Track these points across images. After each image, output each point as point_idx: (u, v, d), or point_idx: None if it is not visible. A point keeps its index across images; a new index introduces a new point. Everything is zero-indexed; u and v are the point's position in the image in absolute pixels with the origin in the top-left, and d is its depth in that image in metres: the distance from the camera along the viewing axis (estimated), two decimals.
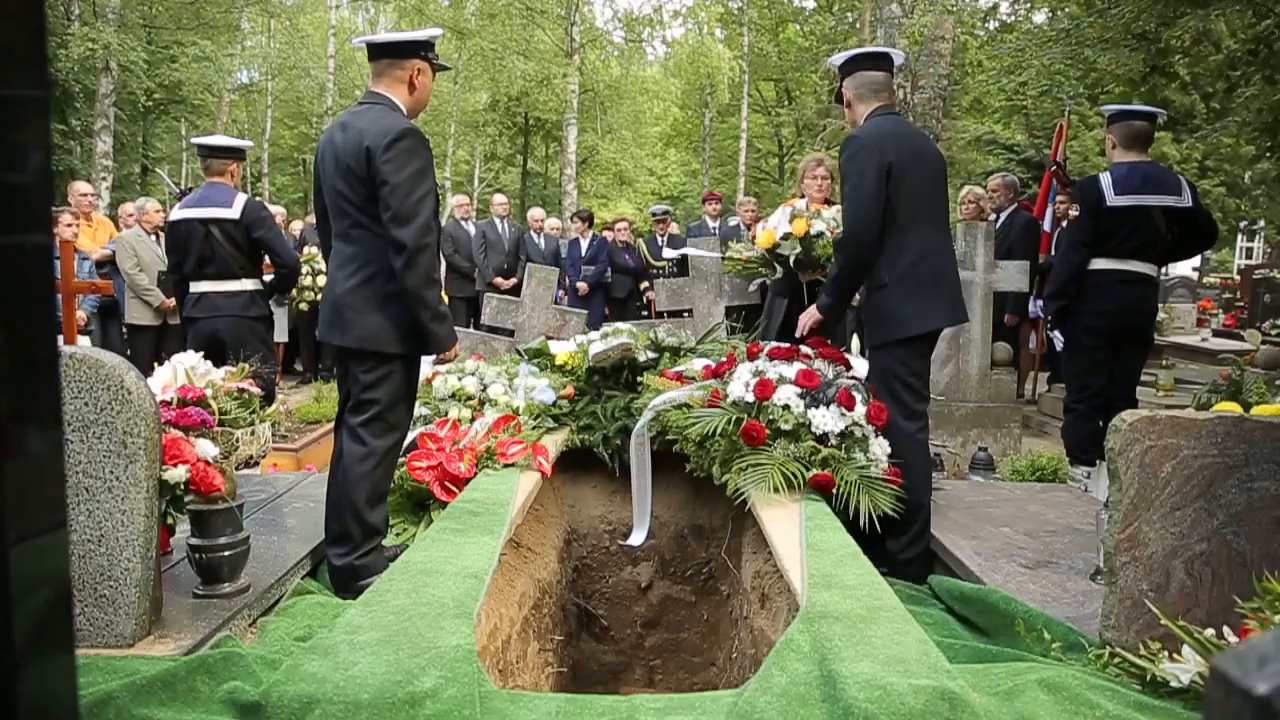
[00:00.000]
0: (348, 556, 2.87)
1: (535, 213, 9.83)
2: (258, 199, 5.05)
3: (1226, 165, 13.02)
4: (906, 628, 2.06)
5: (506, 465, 3.43)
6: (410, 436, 3.31)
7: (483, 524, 2.81)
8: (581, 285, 9.17)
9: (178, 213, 4.85)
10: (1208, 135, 11.57)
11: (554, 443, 3.88)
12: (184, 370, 3.05)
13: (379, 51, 2.89)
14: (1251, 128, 9.73)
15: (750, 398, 3.31)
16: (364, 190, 2.75)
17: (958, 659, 2.23)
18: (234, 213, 4.71)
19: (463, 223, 9.39)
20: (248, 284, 4.80)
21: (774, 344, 3.71)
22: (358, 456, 2.85)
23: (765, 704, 1.76)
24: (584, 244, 9.46)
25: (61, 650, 0.60)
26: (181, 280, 4.87)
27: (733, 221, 9.16)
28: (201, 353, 3.43)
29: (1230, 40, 8.88)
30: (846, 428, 3.18)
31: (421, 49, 2.89)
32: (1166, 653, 1.93)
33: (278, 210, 9.11)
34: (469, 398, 3.80)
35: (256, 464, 4.03)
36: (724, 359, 4.12)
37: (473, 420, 3.71)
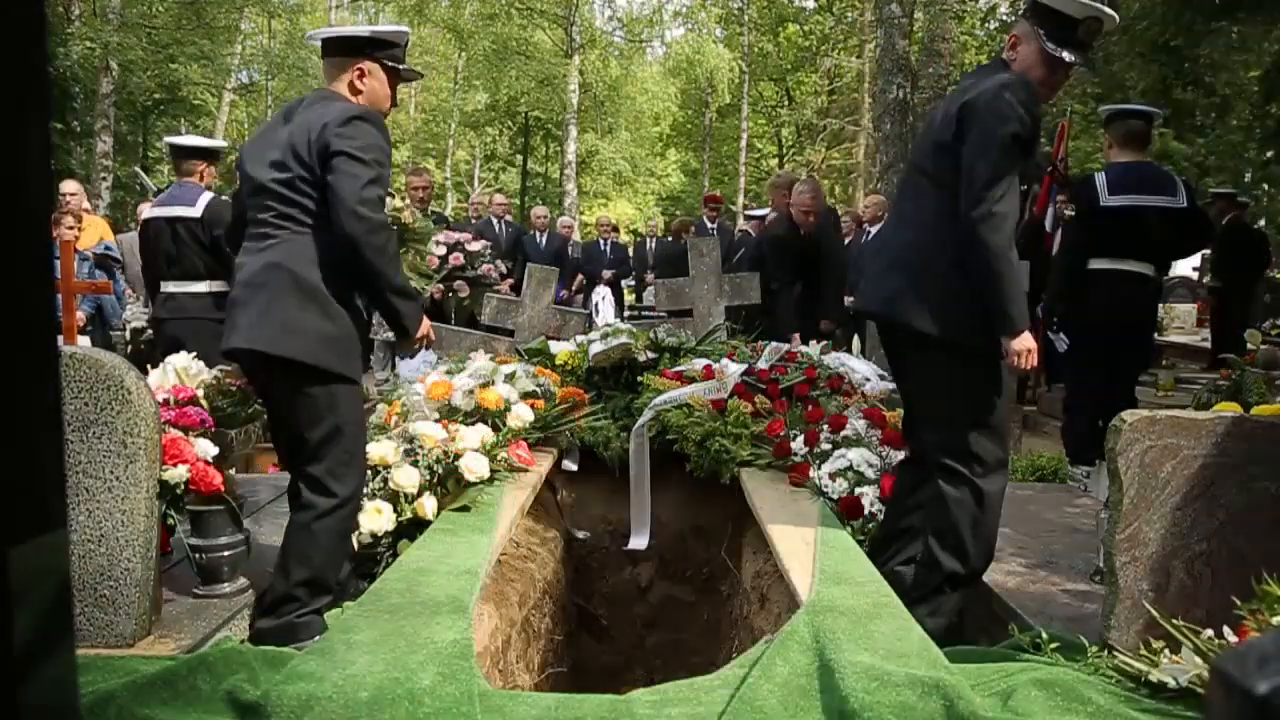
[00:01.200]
0: (285, 618, 2.43)
1: (538, 210, 9.85)
2: (225, 198, 4.97)
3: (1229, 164, 13.03)
4: (909, 625, 2.07)
5: (509, 467, 3.43)
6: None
7: (477, 524, 2.82)
8: (605, 290, 9.34)
9: (148, 212, 4.85)
10: (1212, 138, 11.59)
11: (552, 444, 3.88)
12: (175, 370, 3.04)
13: (326, 47, 2.61)
14: (1260, 133, 9.77)
15: (841, 488, 3.15)
16: (310, 176, 2.43)
17: (956, 658, 2.23)
18: (197, 211, 4.69)
19: (474, 221, 9.43)
20: (214, 285, 4.74)
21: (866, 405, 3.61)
22: (323, 509, 2.44)
23: (767, 692, 1.77)
24: (605, 247, 9.76)
25: (61, 650, 0.60)
26: (153, 280, 4.86)
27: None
28: (177, 353, 3.39)
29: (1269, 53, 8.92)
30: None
31: (368, 46, 2.55)
32: (1167, 653, 1.93)
33: None
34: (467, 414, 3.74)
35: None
36: (724, 359, 4.12)
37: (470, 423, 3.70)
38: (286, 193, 2.45)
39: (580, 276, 9.72)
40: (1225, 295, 8.16)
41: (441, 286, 5.99)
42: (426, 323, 2.68)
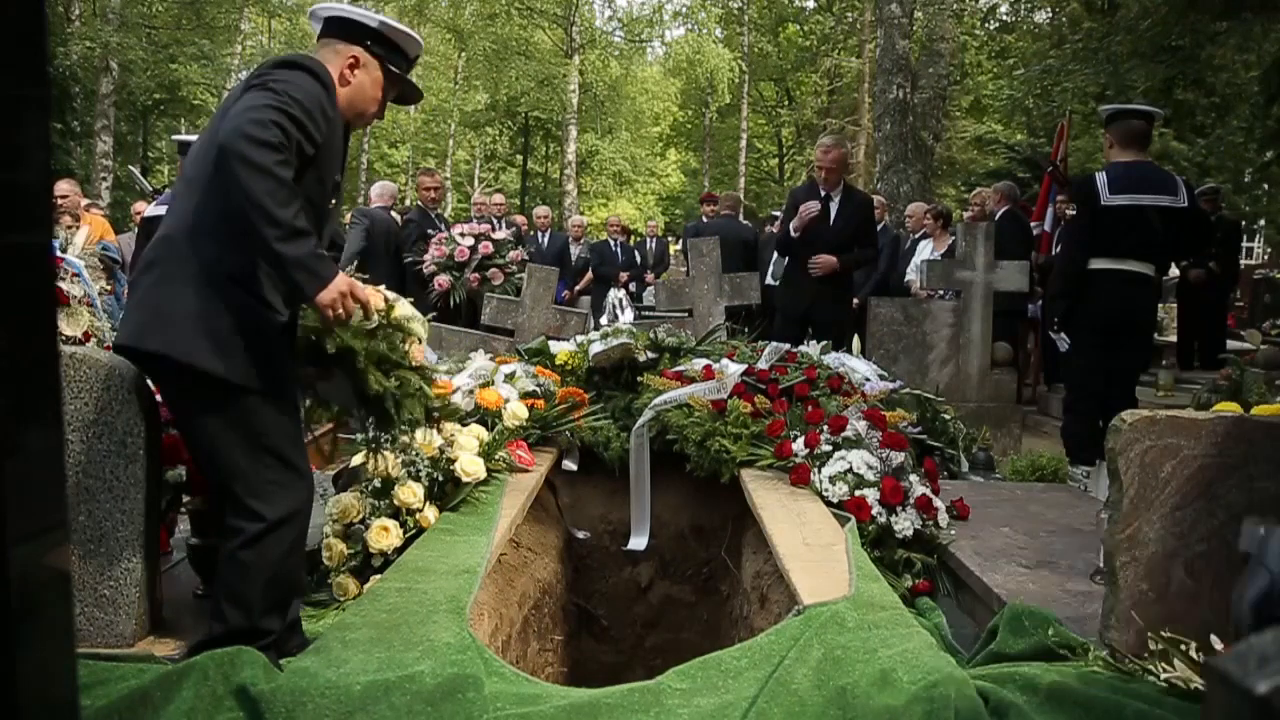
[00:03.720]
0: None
1: (541, 210, 9.88)
2: None
3: (1229, 163, 13.07)
4: (944, 623, 2.10)
5: (508, 467, 3.43)
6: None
7: (477, 524, 2.81)
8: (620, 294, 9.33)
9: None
10: (1215, 140, 11.60)
11: (552, 444, 3.88)
12: None
13: (328, 26, 2.30)
14: (1260, 134, 9.78)
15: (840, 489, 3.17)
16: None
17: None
18: None
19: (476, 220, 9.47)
20: None
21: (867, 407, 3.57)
22: (250, 534, 2.05)
23: (802, 676, 1.78)
24: (616, 247, 9.78)
25: (61, 650, 0.60)
26: None
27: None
28: None
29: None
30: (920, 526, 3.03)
31: (370, 38, 2.26)
32: (1161, 657, 1.93)
33: None
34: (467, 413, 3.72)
35: None
36: (724, 359, 4.12)
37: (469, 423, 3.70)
38: (197, 151, 2.13)
39: (589, 276, 9.68)
40: (1202, 290, 8.10)
41: (477, 275, 6.12)
42: (343, 282, 1.99)
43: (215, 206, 2.02)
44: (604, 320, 7.87)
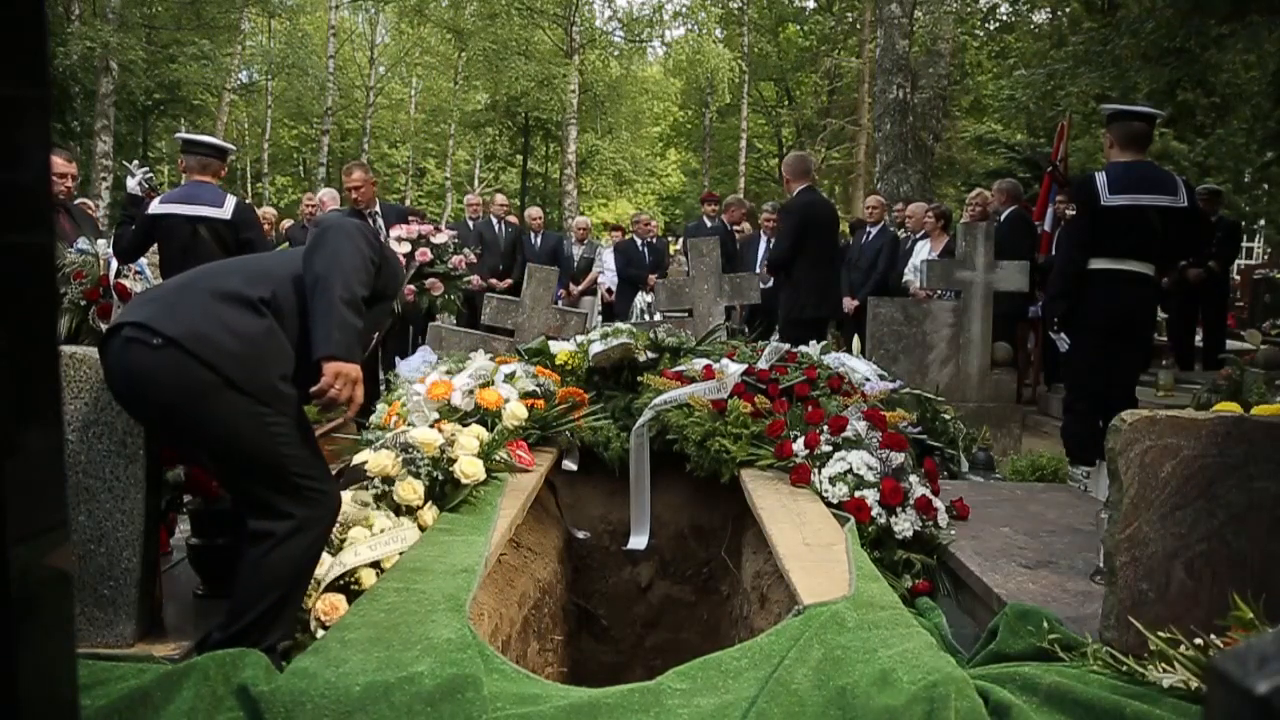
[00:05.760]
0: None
1: (533, 211, 9.88)
2: (247, 202, 5.00)
3: (1229, 163, 13.06)
4: (944, 623, 2.10)
5: (508, 467, 3.42)
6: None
7: (476, 524, 2.81)
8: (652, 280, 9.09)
9: (161, 208, 4.77)
10: (1216, 141, 11.60)
11: (552, 444, 3.88)
12: None
13: None
14: (1261, 134, 9.78)
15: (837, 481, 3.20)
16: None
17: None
18: (225, 213, 4.67)
19: (471, 222, 9.40)
20: None
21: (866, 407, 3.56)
22: (282, 534, 2.05)
23: (802, 676, 1.78)
24: (643, 248, 9.36)
25: (62, 650, 0.60)
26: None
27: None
28: None
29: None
30: (919, 526, 3.01)
31: None
32: (1161, 660, 1.93)
33: (269, 211, 9.69)
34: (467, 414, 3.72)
35: None
36: (724, 359, 4.12)
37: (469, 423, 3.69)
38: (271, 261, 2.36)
39: (591, 276, 9.59)
40: (1197, 290, 8.07)
41: (412, 287, 5.49)
42: (358, 372, 2.04)
43: (273, 261, 2.23)
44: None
